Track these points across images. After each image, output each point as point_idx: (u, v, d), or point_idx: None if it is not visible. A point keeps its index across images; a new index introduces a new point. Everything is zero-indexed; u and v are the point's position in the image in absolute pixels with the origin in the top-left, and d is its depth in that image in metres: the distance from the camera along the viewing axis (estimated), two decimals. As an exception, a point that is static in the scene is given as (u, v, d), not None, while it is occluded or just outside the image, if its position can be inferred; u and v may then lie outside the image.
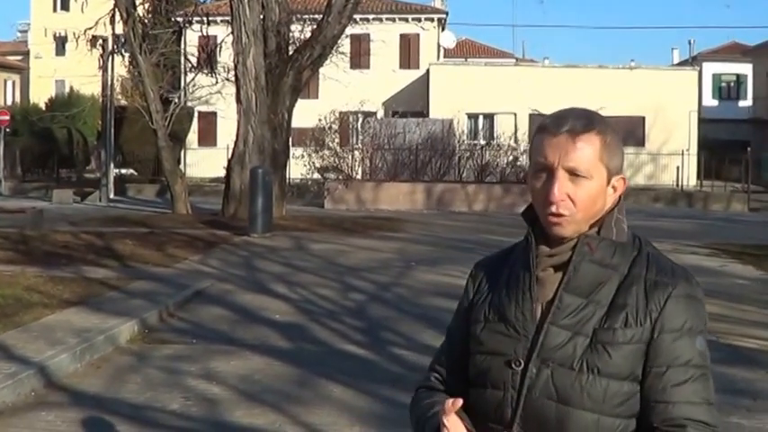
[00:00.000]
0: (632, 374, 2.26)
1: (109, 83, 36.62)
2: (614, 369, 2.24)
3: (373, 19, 50.32)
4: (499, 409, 2.33)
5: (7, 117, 42.91)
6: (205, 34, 32.39)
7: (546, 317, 2.31)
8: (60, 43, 59.96)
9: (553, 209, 2.29)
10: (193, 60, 37.66)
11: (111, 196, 35.83)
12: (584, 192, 2.30)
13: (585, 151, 2.29)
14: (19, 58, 75.41)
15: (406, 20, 52.30)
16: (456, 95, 43.33)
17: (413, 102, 45.90)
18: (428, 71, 49.08)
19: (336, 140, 34.86)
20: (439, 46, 53.56)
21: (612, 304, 2.28)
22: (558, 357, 2.27)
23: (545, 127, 2.35)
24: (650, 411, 2.26)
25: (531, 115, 45.01)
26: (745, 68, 62.44)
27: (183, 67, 41.15)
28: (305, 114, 33.68)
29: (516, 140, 35.78)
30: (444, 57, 55.11)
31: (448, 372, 2.55)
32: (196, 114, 48.51)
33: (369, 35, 49.08)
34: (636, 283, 2.30)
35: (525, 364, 2.30)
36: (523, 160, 33.61)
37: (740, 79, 63.87)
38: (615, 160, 2.35)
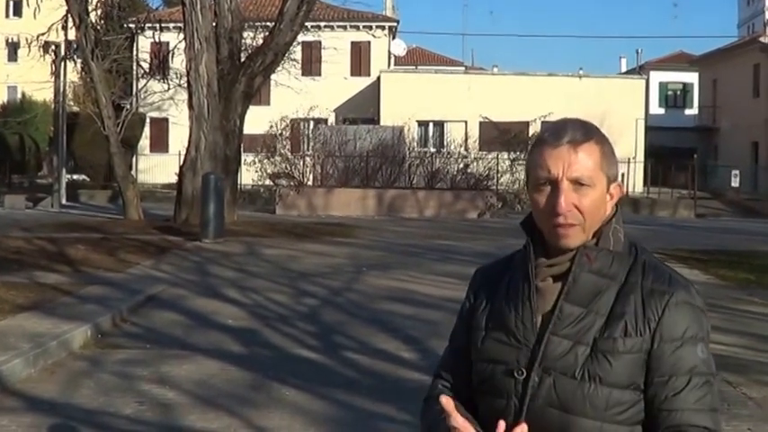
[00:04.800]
0: (633, 383, 2.28)
1: (61, 89, 36.39)
2: (615, 378, 2.26)
3: (325, 26, 50.40)
4: (502, 416, 2.30)
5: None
6: (157, 41, 32.45)
7: (546, 326, 2.33)
8: (12, 49, 59.26)
9: (561, 220, 2.30)
10: (146, 66, 37.65)
11: (64, 202, 35.60)
12: (588, 200, 2.31)
13: (588, 161, 2.31)
14: (-30, 64, 74.53)
15: (358, 27, 52.48)
16: (406, 103, 43.35)
17: (364, 109, 46.04)
18: (379, 78, 49.32)
19: (288, 147, 34.98)
20: (389, 54, 53.79)
21: (611, 313, 2.30)
22: (559, 366, 2.29)
23: (544, 139, 2.36)
24: (655, 420, 2.28)
25: (481, 123, 45.39)
26: (692, 77, 63.31)
27: (135, 73, 41.14)
28: (256, 121, 33.63)
29: (467, 148, 36.01)
30: (395, 64, 55.31)
31: (454, 377, 2.55)
32: (148, 120, 48.35)
33: (320, 42, 49.21)
34: (633, 292, 2.31)
35: (527, 374, 2.32)
36: (473, 168, 33.89)
37: (686, 88, 64.74)
38: (613, 168, 2.38)
